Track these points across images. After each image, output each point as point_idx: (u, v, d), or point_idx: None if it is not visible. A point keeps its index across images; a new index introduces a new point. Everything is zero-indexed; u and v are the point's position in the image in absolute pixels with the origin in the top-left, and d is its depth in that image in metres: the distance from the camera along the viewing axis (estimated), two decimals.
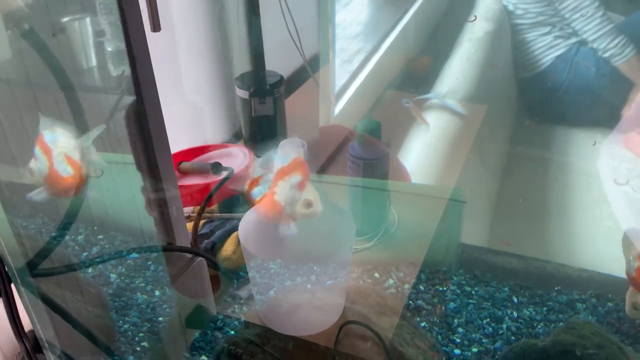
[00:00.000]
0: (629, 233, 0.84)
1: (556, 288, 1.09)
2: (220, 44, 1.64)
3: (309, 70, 1.67)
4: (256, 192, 0.84)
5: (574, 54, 1.67)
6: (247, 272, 0.97)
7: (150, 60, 0.73)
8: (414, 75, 2.29)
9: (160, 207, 0.81)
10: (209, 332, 1.04)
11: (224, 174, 1.29)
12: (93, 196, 0.81)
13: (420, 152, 1.82)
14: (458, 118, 1.97)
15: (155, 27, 0.72)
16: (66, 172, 0.76)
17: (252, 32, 1.50)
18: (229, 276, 1.14)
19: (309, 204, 0.79)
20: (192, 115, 1.63)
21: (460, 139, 1.86)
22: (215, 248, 1.17)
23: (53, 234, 0.87)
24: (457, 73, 2.19)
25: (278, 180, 0.80)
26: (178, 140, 1.46)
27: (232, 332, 1.00)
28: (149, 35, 0.73)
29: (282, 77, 1.57)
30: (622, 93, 1.49)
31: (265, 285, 0.96)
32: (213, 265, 1.08)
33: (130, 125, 0.78)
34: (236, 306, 1.04)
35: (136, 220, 1.14)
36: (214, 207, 1.32)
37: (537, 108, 1.74)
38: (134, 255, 1.20)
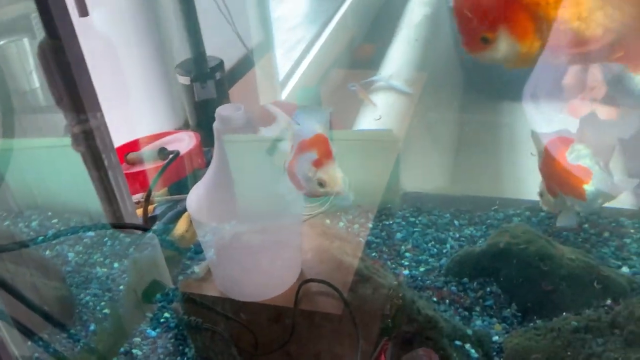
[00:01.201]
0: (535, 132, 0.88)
1: (493, 208, 1.15)
2: (157, 34, 1.61)
3: (243, 44, 1.67)
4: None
5: None
6: (201, 249, 0.96)
7: (79, 45, 0.68)
8: (359, 61, 2.33)
9: (107, 190, 0.78)
10: (166, 305, 1.02)
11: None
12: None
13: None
14: (404, 96, 2.01)
15: (82, 11, 0.68)
16: None
17: (189, 18, 1.49)
18: (183, 253, 1.13)
19: (321, 184, 0.75)
20: (137, 107, 1.60)
21: (407, 113, 1.90)
22: (168, 228, 1.16)
23: None
24: (400, 56, 2.24)
25: (297, 154, 0.76)
26: (128, 132, 1.43)
27: (191, 304, 0.98)
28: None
29: (221, 60, 1.56)
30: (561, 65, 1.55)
31: (219, 255, 0.95)
32: (166, 242, 1.06)
33: (69, 117, 0.74)
34: (194, 281, 1.03)
35: (85, 202, 1.13)
36: (164, 190, 1.30)
37: (483, 86, 1.79)
38: (90, 233, 1.18)
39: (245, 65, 1.87)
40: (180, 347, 0.96)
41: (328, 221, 1.11)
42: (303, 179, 0.76)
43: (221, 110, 0.82)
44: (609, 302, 0.86)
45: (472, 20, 0.47)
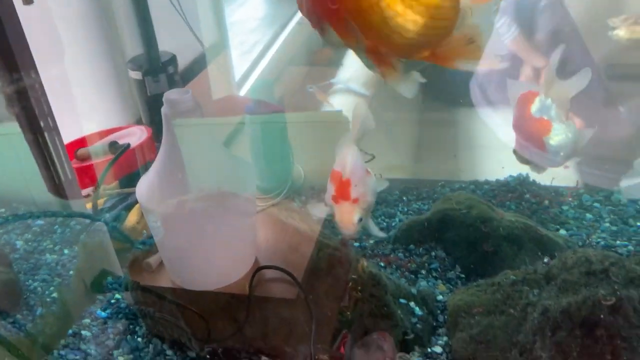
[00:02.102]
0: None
1: (440, 183, 1.19)
2: (109, 29, 1.61)
3: (198, 39, 1.68)
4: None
5: None
6: (153, 240, 0.95)
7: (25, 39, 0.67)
8: (317, 64, 2.36)
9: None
10: (117, 295, 1.00)
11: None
12: None
13: None
14: (362, 98, 2.05)
15: None
16: None
17: (140, 12, 1.49)
18: (134, 244, 1.12)
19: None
20: (89, 103, 1.58)
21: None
22: (119, 220, 1.15)
23: None
24: (358, 59, 2.28)
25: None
26: (79, 128, 1.41)
27: (143, 294, 0.97)
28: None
29: (174, 55, 1.56)
30: (514, 71, 1.60)
31: (170, 243, 0.94)
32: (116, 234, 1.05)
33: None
34: (146, 272, 1.02)
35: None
36: (115, 183, 1.29)
37: (440, 91, 1.84)
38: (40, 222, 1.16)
39: (200, 63, 1.88)
40: (131, 326, 0.94)
41: (285, 206, 1.12)
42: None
43: (169, 94, 0.81)
44: (546, 259, 0.89)
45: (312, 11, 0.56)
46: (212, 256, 0.88)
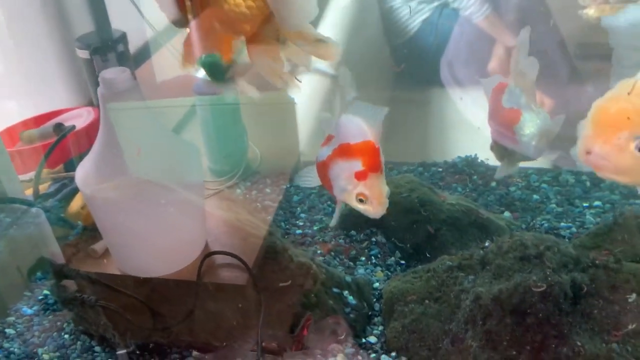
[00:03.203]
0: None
1: (389, 166, 1.15)
2: (56, 7, 1.53)
3: (151, 27, 1.61)
4: (322, 152, 0.71)
5: (438, 17, 1.72)
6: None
7: None
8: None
9: None
10: (57, 283, 0.96)
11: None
12: None
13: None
14: (329, 78, 2.00)
15: None
16: None
17: None
18: (78, 230, 1.07)
19: (362, 199, 0.65)
20: (36, 84, 1.51)
21: (332, 94, 1.90)
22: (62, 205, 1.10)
23: None
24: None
25: (336, 157, 0.67)
26: (26, 110, 1.36)
27: (85, 282, 0.93)
28: None
29: (124, 33, 1.49)
30: (486, 49, 1.56)
31: (114, 229, 0.90)
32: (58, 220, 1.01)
33: None
34: (91, 259, 0.98)
35: None
36: (60, 167, 1.25)
37: (413, 73, 1.80)
38: None
39: (156, 42, 1.80)
40: (59, 324, 0.90)
41: (239, 190, 1.08)
42: (338, 189, 0.67)
43: (105, 74, 0.77)
44: (487, 243, 0.87)
45: None
46: (156, 242, 0.85)
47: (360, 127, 0.67)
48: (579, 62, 1.33)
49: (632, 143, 0.54)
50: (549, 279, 0.69)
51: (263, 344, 0.74)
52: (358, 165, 0.64)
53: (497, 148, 0.90)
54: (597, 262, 0.74)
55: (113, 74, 0.76)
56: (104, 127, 0.78)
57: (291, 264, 0.76)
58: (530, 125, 0.82)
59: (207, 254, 0.84)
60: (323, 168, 0.69)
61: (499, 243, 0.78)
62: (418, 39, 1.79)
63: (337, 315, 0.80)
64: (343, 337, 0.79)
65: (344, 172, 0.66)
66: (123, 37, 1.49)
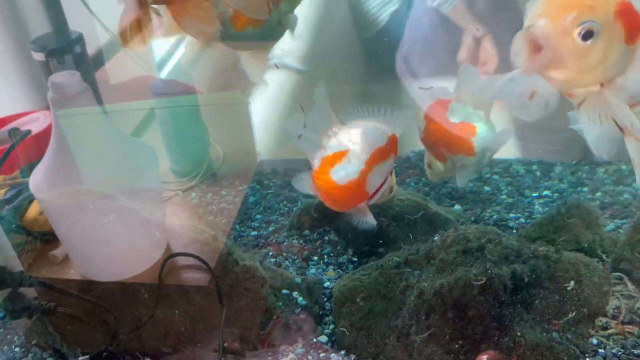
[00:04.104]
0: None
1: None
2: (11, 8, 1.50)
3: (104, 28, 1.58)
4: (340, 172, 0.64)
5: (407, 8, 1.72)
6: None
7: None
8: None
9: None
10: (14, 292, 0.95)
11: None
12: None
13: (263, 109, 1.83)
14: (298, 74, 1.99)
15: None
16: None
17: None
18: (36, 237, 1.06)
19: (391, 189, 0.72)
20: None
21: (299, 89, 1.89)
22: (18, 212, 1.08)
23: None
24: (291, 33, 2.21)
25: (373, 165, 0.66)
26: None
27: (44, 289, 0.92)
28: None
29: (80, 34, 1.47)
30: (455, 39, 1.56)
31: (72, 235, 0.89)
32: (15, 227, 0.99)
33: None
34: (51, 265, 0.97)
35: None
36: (16, 173, 1.23)
37: (384, 66, 1.79)
38: None
39: (117, 44, 1.77)
40: (9, 337, 0.89)
41: (180, 193, 1.07)
42: (381, 193, 0.70)
43: (54, 78, 0.76)
44: (436, 237, 0.88)
45: None
46: (114, 247, 0.84)
47: (379, 130, 0.68)
48: None
49: (577, 29, 0.49)
50: (489, 271, 0.70)
51: (225, 344, 0.75)
52: (391, 161, 0.69)
53: (438, 166, 0.89)
54: (538, 252, 0.76)
55: (62, 77, 0.75)
56: (56, 133, 0.77)
57: (236, 268, 0.76)
58: (484, 137, 0.82)
59: (169, 256, 0.84)
60: (359, 185, 0.66)
61: (444, 237, 0.79)
62: (387, 31, 1.79)
63: (306, 313, 0.81)
64: (309, 333, 0.80)
65: (384, 172, 0.68)
66: (79, 39, 1.47)
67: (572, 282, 0.72)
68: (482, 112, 0.84)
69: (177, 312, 0.80)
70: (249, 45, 0.84)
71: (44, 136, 1.31)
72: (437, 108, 0.85)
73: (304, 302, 0.81)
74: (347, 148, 0.65)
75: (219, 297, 0.76)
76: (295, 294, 0.81)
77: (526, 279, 0.72)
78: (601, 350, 0.70)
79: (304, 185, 0.67)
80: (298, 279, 0.83)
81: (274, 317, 0.79)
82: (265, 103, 1.83)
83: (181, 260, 0.82)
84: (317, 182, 0.65)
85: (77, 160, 0.79)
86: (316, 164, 0.65)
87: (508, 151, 1.10)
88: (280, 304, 0.78)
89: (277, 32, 0.87)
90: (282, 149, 1.39)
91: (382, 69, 1.77)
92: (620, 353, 0.69)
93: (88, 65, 1.51)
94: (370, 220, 0.70)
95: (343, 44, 2.07)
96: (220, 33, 0.75)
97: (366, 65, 2.01)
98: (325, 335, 0.80)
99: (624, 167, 1.03)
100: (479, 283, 0.69)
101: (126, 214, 0.83)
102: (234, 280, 0.76)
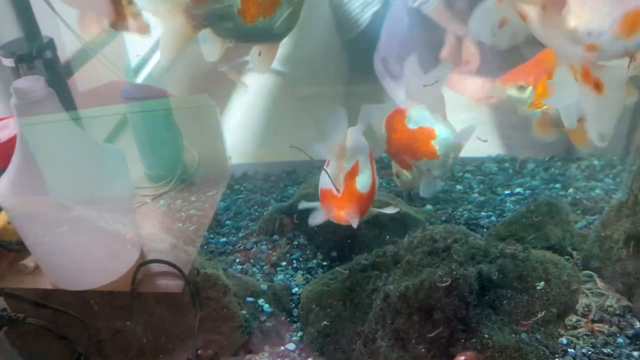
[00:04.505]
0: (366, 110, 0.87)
1: (317, 165, 1.12)
2: None
3: (75, 35, 1.56)
4: (361, 182, 0.72)
5: (387, 9, 1.71)
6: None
7: None
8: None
9: None
10: None
11: None
12: None
13: (242, 112, 1.81)
14: (279, 76, 1.97)
15: None
16: None
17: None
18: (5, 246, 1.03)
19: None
20: None
21: (283, 93, 1.87)
22: None
23: None
24: None
25: (373, 168, 0.76)
26: None
27: (13, 300, 0.89)
28: None
29: (51, 39, 1.44)
30: (437, 39, 1.55)
31: (41, 246, 0.86)
32: None
33: None
34: (21, 275, 0.94)
35: None
36: None
37: (366, 67, 1.78)
38: None
39: (92, 49, 1.75)
40: None
41: (149, 200, 1.05)
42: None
43: (17, 83, 0.73)
44: (406, 238, 0.86)
45: None
46: (84, 255, 0.82)
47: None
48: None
49: None
50: (454, 272, 0.68)
51: (199, 351, 0.73)
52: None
53: (406, 175, 0.88)
54: (505, 252, 0.74)
55: (26, 83, 0.73)
56: (20, 140, 0.74)
57: (197, 277, 0.74)
58: (445, 139, 0.80)
59: (141, 263, 0.82)
60: (372, 189, 0.74)
61: (411, 238, 0.77)
62: (369, 32, 1.78)
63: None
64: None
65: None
66: (50, 44, 1.45)
67: (542, 283, 0.71)
68: (439, 115, 0.83)
69: (147, 320, 0.78)
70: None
71: (13, 144, 1.28)
72: (396, 117, 0.84)
73: (270, 310, 0.78)
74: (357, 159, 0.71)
75: (194, 303, 0.74)
76: (260, 301, 0.79)
77: (494, 279, 0.71)
78: (571, 350, 0.68)
79: (319, 216, 0.73)
80: (264, 286, 0.81)
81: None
82: (243, 106, 1.81)
83: (157, 268, 0.80)
84: (349, 200, 0.69)
85: (42, 168, 0.77)
86: (340, 184, 0.70)
87: (489, 149, 1.09)
88: (245, 312, 0.76)
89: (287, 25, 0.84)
90: (259, 152, 1.38)
91: (364, 70, 1.75)
92: (590, 352, 0.68)
93: (59, 71, 1.49)
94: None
95: (325, 45, 2.06)
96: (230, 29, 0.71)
97: (348, 66, 2.00)
98: (293, 342, 0.78)
99: (596, 162, 1.02)
100: (444, 284, 0.67)
101: (94, 222, 0.81)
102: (194, 289, 0.74)
